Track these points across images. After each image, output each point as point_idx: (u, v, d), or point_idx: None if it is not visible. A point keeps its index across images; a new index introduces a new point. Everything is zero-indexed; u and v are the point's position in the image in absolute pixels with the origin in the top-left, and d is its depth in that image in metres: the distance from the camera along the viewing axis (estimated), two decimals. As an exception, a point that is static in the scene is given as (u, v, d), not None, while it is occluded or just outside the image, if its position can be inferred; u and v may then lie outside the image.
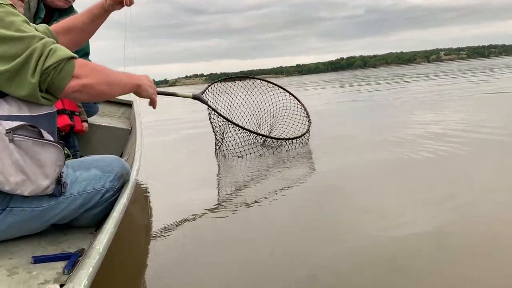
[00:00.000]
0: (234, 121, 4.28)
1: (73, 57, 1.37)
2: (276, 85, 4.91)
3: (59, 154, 1.41)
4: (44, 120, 1.39)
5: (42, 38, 1.34)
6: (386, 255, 1.78)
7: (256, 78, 5.07)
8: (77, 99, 1.45)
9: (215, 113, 4.06)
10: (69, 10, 2.77)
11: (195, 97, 3.47)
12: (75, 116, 2.51)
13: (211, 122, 4.31)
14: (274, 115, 4.87)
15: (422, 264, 1.68)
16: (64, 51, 1.35)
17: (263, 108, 4.89)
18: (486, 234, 1.94)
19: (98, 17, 1.96)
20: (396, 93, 11.28)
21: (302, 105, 4.79)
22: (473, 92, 9.25)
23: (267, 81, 4.97)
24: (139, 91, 1.68)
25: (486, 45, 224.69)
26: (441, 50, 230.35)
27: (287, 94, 4.85)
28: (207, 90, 4.20)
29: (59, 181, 1.46)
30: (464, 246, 1.84)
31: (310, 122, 4.57)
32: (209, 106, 4.00)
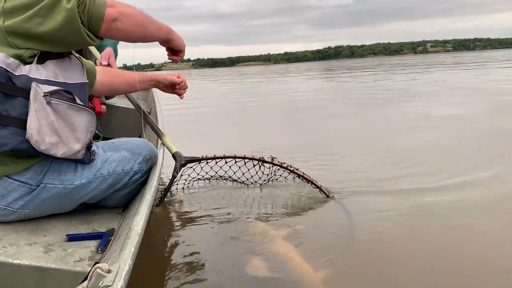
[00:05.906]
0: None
1: None
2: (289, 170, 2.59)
3: (91, 119, 1.43)
4: (77, 89, 1.41)
5: None
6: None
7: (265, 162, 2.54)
8: (119, 32, 1.37)
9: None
10: None
11: (175, 157, 2.33)
12: (94, 98, 2.50)
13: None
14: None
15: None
16: None
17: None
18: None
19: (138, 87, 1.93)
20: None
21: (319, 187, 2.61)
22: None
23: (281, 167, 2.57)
24: (172, 38, 1.61)
25: (472, 38, 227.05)
26: (427, 42, 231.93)
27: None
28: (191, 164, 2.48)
29: (88, 148, 1.49)
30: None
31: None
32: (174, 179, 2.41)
